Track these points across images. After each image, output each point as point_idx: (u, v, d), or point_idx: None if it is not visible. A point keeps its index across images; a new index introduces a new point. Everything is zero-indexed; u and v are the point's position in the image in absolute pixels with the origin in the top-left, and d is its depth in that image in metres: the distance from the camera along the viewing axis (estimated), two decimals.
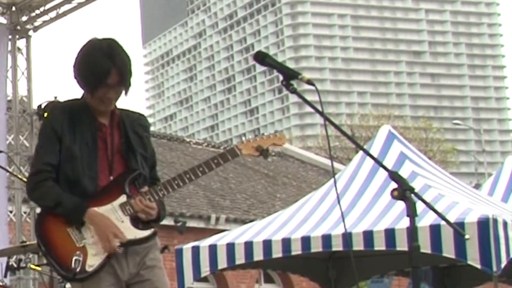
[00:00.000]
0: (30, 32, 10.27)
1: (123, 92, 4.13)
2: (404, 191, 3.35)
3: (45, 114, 4.32)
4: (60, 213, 4.01)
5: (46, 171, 4.06)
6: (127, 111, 4.28)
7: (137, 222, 4.07)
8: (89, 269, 3.96)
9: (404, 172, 8.31)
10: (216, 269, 9.21)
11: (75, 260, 3.96)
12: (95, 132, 4.12)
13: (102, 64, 4.04)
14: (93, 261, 3.97)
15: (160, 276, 4.12)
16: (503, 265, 7.47)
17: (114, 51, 4.12)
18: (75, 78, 4.15)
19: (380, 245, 8.08)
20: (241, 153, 4.20)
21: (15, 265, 7.27)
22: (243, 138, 4.22)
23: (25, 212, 10.13)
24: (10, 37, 10.06)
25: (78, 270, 3.94)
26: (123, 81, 4.09)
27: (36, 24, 10.29)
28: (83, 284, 4.00)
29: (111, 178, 4.10)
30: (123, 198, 4.08)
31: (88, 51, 4.13)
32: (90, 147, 4.09)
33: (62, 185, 4.05)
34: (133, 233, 4.06)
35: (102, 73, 4.04)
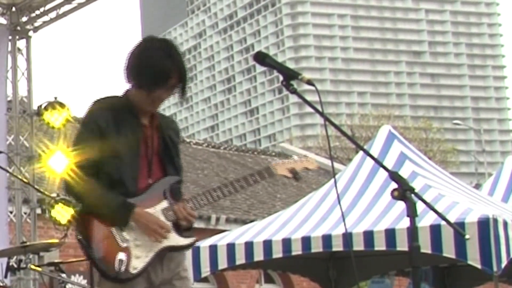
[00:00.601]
0: (30, 33, 10.26)
1: (181, 94, 4.10)
2: (404, 191, 3.35)
3: (90, 106, 4.12)
4: (105, 213, 3.95)
5: (88, 167, 3.97)
6: (162, 114, 4.25)
7: (178, 229, 4.05)
8: (133, 271, 3.93)
9: (404, 172, 8.31)
10: (216, 270, 9.21)
11: (119, 260, 3.91)
12: (139, 133, 4.08)
13: (164, 65, 4.01)
14: (137, 264, 3.93)
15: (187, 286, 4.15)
16: (503, 265, 7.48)
17: (175, 53, 4.08)
18: (129, 75, 4.08)
19: (380, 245, 8.08)
20: (276, 173, 4.23)
21: (15, 266, 7.28)
22: (278, 160, 4.29)
23: (25, 213, 10.13)
24: (10, 37, 10.05)
25: (122, 270, 3.90)
26: (182, 84, 4.07)
27: (36, 24, 10.28)
28: (122, 285, 3.95)
29: (150, 181, 4.06)
30: (165, 204, 4.05)
31: (148, 50, 4.07)
32: (133, 147, 4.03)
33: (103, 183, 3.98)
34: (175, 240, 4.04)
35: (164, 74, 4.01)
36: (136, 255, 3.94)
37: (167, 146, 4.16)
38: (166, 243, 4.00)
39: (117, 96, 4.17)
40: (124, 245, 3.94)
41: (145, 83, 4.02)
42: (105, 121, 4.00)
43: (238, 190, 4.15)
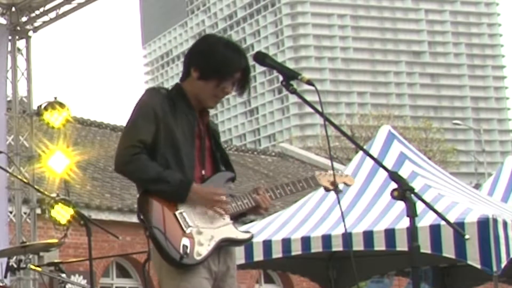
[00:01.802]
0: (30, 33, 10.26)
1: (241, 90, 4.14)
2: (404, 191, 3.35)
3: (145, 94, 4.14)
4: (161, 188, 3.91)
5: (140, 147, 3.95)
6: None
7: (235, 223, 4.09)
8: (197, 257, 3.88)
9: (404, 172, 8.32)
10: None
11: (183, 245, 3.87)
12: (194, 125, 4.09)
13: (235, 58, 4.07)
14: (201, 250, 3.90)
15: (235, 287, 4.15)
16: (503, 265, 7.48)
17: (242, 49, 4.16)
18: (196, 64, 4.09)
19: (380, 245, 8.08)
20: (320, 182, 4.35)
21: (15, 266, 7.28)
22: (322, 171, 4.42)
23: (25, 213, 10.13)
24: (10, 37, 10.05)
25: (186, 255, 3.85)
26: (245, 80, 4.12)
27: (36, 24, 10.28)
28: (184, 271, 3.89)
29: (203, 172, 4.07)
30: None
31: (219, 43, 4.12)
32: (188, 138, 4.04)
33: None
34: (234, 232, 4.06)
35: (234, 66, 4.06)
36: (199, 242, 3.90)
37: (217, 144, 4.21)
38: (226, 234, 4.00)
39: (173, 88, 4.19)
40: (188, 230, 3.90)
41: (213, 72, 4.05)
42: (162, 109, 4.01)
43: (288, 193, 4.27)
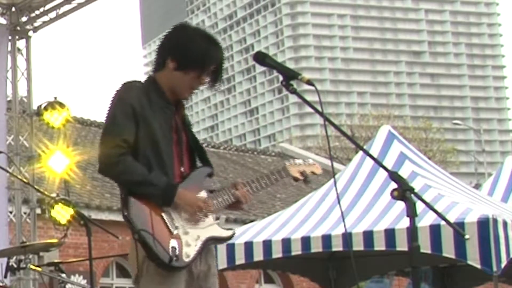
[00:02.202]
0: (30, 33, 10.26)
1: (213, 83, 4.09)
2: (404, 191, 3.35)
3: (120, 88, 4.04)
4: (149, 191, 3.86)
5: (124, 147, 3.88)
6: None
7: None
8: (186, 259, 3.85)
9: (404, 172, 8.31)
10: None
11: (172, 247, 3.83)
12: (171, 119, 4.03)
13: (214, 49, 4.03)
14: (189, 251, 3.87)
15: (217, 286, 4.12)
16: (503, 265, 7.48)
17: (219, 41, 4.10)
18: (172, 55, 4.01)
19: (380, 245, 8.08)
20: (290, 173, 4.33)
21: (15, 266, 7.28)
22: (291, 160, 4.37)
23: (25, 213, 10.13)
24: (10, 37, 10.05)
25: (175, 257, 3.81)
26: (218, 73, 4.07)
27: (36, 24, 10.28)
28: (170, 273, 3.84)
29: (182, 169, 4.02)
30: (204, 194, 4.03)
31: (197, 34, 4.05)
32: (166, 133, 3.98)
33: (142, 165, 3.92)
34: (218, 230, 4.04)
35: (214, 57, 4.02)
36: (187, 243, 3.87)
37: (194, 138, 4.16)
38: (211, 233, 3.98)
39: (146, 81, 4.10)
40: (175, 232, 3.87)
41: (192, 64, 3.99)
42: (140, 105, 3.94)
43: (264, 187, 4.26)
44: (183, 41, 4.02)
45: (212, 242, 4.02)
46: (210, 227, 4.00)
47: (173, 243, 3.83)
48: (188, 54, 3.99)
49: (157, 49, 4.12)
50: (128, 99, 3.95)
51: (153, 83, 4.06)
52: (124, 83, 4.07)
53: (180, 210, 3.92)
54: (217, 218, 4.08)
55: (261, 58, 3.74)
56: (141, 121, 3.92)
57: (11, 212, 9.94)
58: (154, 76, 4.09)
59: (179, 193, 3.91)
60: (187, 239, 3.88)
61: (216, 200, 4.06)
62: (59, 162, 9.70)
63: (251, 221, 13.82)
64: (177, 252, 3.82)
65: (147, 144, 3.92)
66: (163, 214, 3.88)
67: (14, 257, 7.48)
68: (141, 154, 3.92)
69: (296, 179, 4.31)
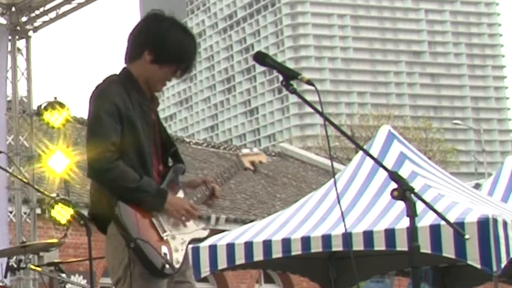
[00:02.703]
0: (30, 33, 10.26)
1: (183, 74, 4.03)
2: (404, 191, 3.34)
3: (101, 85, 3.95)
4: (140, 197, 3.78)
5: (114, 151, 3.79)
6: None
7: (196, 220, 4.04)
8: (177, 264, 3.82)
9: (404, 172, 8.31)
10: (216, 270, 9.21)
11: (164, 253, 3.78)
12: (149, 115, 3.97)
13: (191, 44, 3.98)
14: (178, 257, 3.82)
15: (194, 279, 4.09)
16: (503, 265, 7.48)
17: (192, 34, 4.06)
18: (149, 47, 3.93)
19: (380, 245, 8.08)
20: (244, 165, 4.35)
21: (15, 266, 7.28)
22: (243, 151, 4.37)
23: (25, 213, 10.13)
24: (10, 37, 10.05)
25: (168, 264, 3.77)
26: (192, 65, 4.03)
27: (36, 24, 10.28)
28: (159, 280, 3.79)
29: (160, 168, 3.98)
30: (181, 193, 4.01)
31: (175, 27, 3.98)
32: (146, 131, 3.91)
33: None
34: (198, 232, 4.01)
35: (191, 52, 3.97)
36: (175, 248, 3.83)
37: (166, 133, 4.10)
38: (193, 235, 3.95)
39: (120, 74, 4.00)
40: (164, 237, 3.83)
41: (170, 59, 3.94)
42: (123, 103, 3.85)
43: (226, 180, 4.27)
44: (161, 35, 3.94)
45: (193, 242, 4.02)
46: (191, 229, 3.97)
47: (164, 249, 3.80)
48: (166, 48, 3.93)
49: (132, 39, 4.02)
50: (112, 97, 3.85)
51: (130, 77, 3.97)
52: (105, 80, 3.98)
53: (166, 214, 3.88)
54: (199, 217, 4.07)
55: (261, 58, 3.73)
56: (126, 121, 3.84)
57: (11, 212, 9.94)
58: (128, 68, 4.01)
59: (169, 199, 3.87)
60: (175, 244, 3.85)
61: (192, 200, 4.03)
62: (59, 162, 9.70)
63: (251, 221, 13.82)
64: (168, 258, 3.79)
65: (131, 145, 3.84)
66: (153, 219, 3.84)
67: (14, 257, 7.48)
68: (126, 156, 3.84)
69: (247, 169, 4.31)
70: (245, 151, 4.32)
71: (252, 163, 4.28)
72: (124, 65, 4.05)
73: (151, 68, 3.96)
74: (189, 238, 3.93)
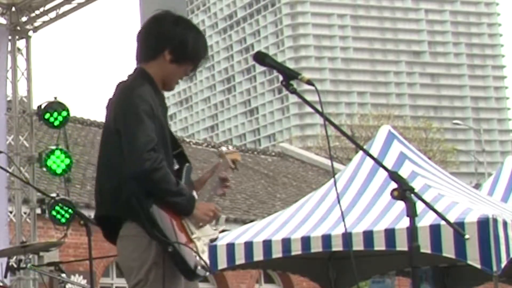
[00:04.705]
0: (30, 33, 10.26)
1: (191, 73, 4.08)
2: (404, 191, 3.34)
3: (129, 84, 3.92)
4: (178, 201, 3.77)
5: (159, 152, 3.75)
6: None
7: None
8: (205, 267, 3.84)
9: (404, 172, 8.31)
10: (216, 269, 9.21)
11: (194, 255, 3.79)
12: (166, 115, 3.99)
13: (205, 43, 4.05)
14: (205, 258, 3.84)
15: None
16: (503, 265, 7.48)
17: (202, 32, 4.11)
18: (175, 48, 3.94)
19: (380, 245, 8.08)
20: (229, 165, 4.19)
21: (15, 266, 7.28)
22: (222, 149, 4.23)
23: (25, 213, 10.12)
24: (10, 37, 10.05)
25: (199, 266, 3.78)
26: (201, 65, 4.08)
27: (36, 24, 10.28)
28: (177, 280, 3.79)
29: (175, 167, 3.95)
30: (195, 194, 3.99)
31: (192, 26, 4.03)
32: (166, 131, 3.91)
33: None
34: (213, 232, 4.00)
35: (206, 51, 4.04)
36: (202, 250, 3.84)
37: (171, 132, 4.07)
38: (210, 236, 3.95)
39: (139, 74, 3.98)
40: (194, 239, 3.83)
41: (189, 58, 3.98)
42: (153, 103, 3.84)
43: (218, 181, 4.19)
44: (181, 35, 3.97)
45: (209, 243, 4.01)
46: (210, 231, 3.98)
47: (194, 250, 3.81)
48: (186, 48, 3.96)
49: (146, 39, 4.03)
50: (146, 97, 3.83)
51: (147, 76, 3.97)
52: (129, 78, 3.98)
53: (193, 217, 3.88)
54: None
55: (261, 58, 3.73)
56: (157, 122, 3.83)
57: (11, 212, 9.94)
58: (144, 68, 4.01)
59: (197, 205, 3.89)
60: (202, 246, 3.86)
61: (206, 197, 4.04)
62: (59, 162, 9.70)
63: (251, 221, 13.82)
64: (198, 259, 3.80)
65: (160, 147, 3.81)
66: (183, 222, 3.84)
67: (14, 257, 7.48)
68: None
69: (231, 169, 4.19)
70: (223, 149, 4.22)
71: (233, 161, 4.20)
72: (137, 65, 4.05)
73: (170, 67, 3.98)
74: (207, 238, 3.94)
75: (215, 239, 4.03)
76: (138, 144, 3.71)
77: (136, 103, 3.79)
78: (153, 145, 3.71)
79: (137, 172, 3.68)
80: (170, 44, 3.96)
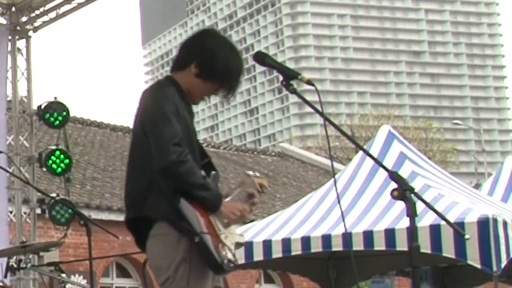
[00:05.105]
0: (30, 33, 10.26)
1: (227, 96, 4.07)
2: (404, 191, 3.34)
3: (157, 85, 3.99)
4: (204, 196, 3.80)
5: (183, 146, 3.79)
6: None
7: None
8: (231, 264, 3.84)
9: (404, 172, 8.31)
10: None
11: (221, 251, 3.81)
12: (193, 121, 4.02)
13: (239, 66, 4.03)
14: (230, 256, 3.84)
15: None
16: (503, 265, 7.48)
17: (241, 57, 4.08)
18: (202, 63, 3.96)
19: (380, 245, 8.08)
20: (256, 187, 4.20)
21: (15, 266, 7.28)
22: (251, 172, 4.31)
23: (25, 213, 10.12)
24: (10, 37, 10.05)
25: (226, 261, 3.80)
26: (238, 86, 4.08)
27: (36, 24, 10.27)
28: (207, 276, 3.81)
29: (202, 173, 3.97)
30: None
31: (227, 46, 4.02)
32: (193, 136, 3.95)
33: None
34: (239, 236, 4.01)
35: (237, 73, 4.02)
36: (229, 247, 3.86)
37: (200, 144, 4.11)
38: (237, 239, 3.96)
39: (167, 81, 4.03)
40: (221, 236, 3.85)
41: (214, 77, 3.98)
42: (179, 104, 3.89)
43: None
44: (211, 51, 3.97)
45: (235, 247, 4.02)
46: (236, 233, 4.01)
47: (221, 247, 3.83)
48: (213, 65, 3.96)
49: (181, 49, 4.08)
50: (172, 98, 3.88)
51: (174, 82, 4.01)
52: (162, 82, 4.03)
53: (219, 215, 3.90)
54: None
55: (261, 58, 3.74)
56: (182, 120, 3.87)
57: (11, 212, 9.94)
58: (173, 77, 4.06)
59: (224, 202, 3.91)
60: (228, 244, 3.88)
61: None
62: (59, 162, 9.70)
63: (251, 221, 13.82)
64: (226, 256, 3.83)
65: (186, 145, 3.84)
66: (210, 218, 3.85)
67: (14, 257, 7.48)
68: None
69: (258, 192, 4.19)
70: (251, 173, 4.29)
71: (260, 185, 4.26)
72: (169, 74, 4.10)
73: (194, 81, 4.00)
74: (235, 240, 3.96)
75: (241, 245, 4.06)
76: (164, 139, 3.76)
77: (161, 103, 3.85)
78: (178, 139, 3.76)
79: (163, 165, 3.74)
80: (198, 58, 3.99)
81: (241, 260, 8.89)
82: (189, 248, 3.78)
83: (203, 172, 3.97)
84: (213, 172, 4.07)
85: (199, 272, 3.82)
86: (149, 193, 3.84)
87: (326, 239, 8.35)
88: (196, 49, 4.02)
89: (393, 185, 3.39)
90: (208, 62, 3.97)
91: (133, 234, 4.01)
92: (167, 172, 3.76)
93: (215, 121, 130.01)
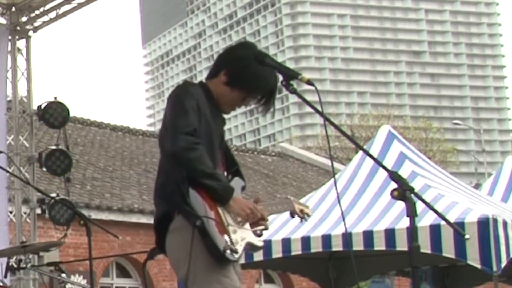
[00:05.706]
0: (30, 33, 10.26)
1: (264, 110, 4.23)
2: (404, 191, 3.34)
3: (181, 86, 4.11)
4: (212, 185, 3.84)
5: (196, 137, 3.85)
6: None
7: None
8: (236, 254, 3.87)
9: (404, 172, 8.31)
10: None
11: (225, 240, 3.84)
12: (218, 124, 4.07)
13: (268, 79, 4.06)
14: (238, 248, 3.87)
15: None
16: (503, 265, 7.48)
17: (274, 72, 4.07)
18: (231, 71, 4.05)
19: (380, 245, 8.08)
20: (295, 210, 4.42)
21: (15, 266, 7.28)
22: (292, 198, 4.50)
23: (25, 213, 10.12)
24: (10, 37, 10.05)
25: (229, 250, 3.82)
26: (273, 100, 4.18)
27: (36, 24, 10.28)
28: (221, 266, 3.85)
29: (225, 173, 4.08)
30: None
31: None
32: (213, 135, 4.00)
33: None
34: (255, 238, 4.04)
35: (266, 86, 4.08)
36: (236, 240, 3.88)
37: (230, 153, 4.21)
38: (251, 239, 3.99)
39: (199, 85, 4.12)
40: (228, 227, 3.88)
41: (241, 85, 4.06)
42: (202, 102, 3.96)
43: (271, 214, 4.34)
44: (242, 60, 4.04)
45: (249, 248, 4.03)
46: (250, 233, 4.02)
47: (226, 237, 3.85)
48: (241, 74, 4.03)
49: (217, 58, 4.19)
50: (194, 95, 3.96)
51: (207, 90, 4.09)
52: (188, 82, 4.13)
53: (229, 210, 3.94)
54: (259, 235, 4.09)
55: (261, 58, 3.74)
56: (202, 117, 3.93)
57: (11, 212, 9.94)
58: (206, 83, 4.14)
59: (234, 195, 3.94)
60: (236, 238, 3.90)
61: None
62: (59, 162, 9.70)
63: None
64: (230, 246, 3.85)
65: (205, 140, 3.90)
66: (218, 208, 3.89)
67: (14, 257, 7.48)
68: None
69: (295, 214, 4.41)
70: (293, 199, 4.44)
71: (301, 211, 4.37)
72: (203, 80, 4.20)
73: (223, 89, 4.07)
74: (247, 239, 3.98)
75: (257, 247, 4.08)
76: (177, 127, 3.84)
77: (183, 97, 3.94)
78: (191, 129, 3.82)
79: (172, 150, 3.82)
80: (229, 66, 4.07)
81: (241, 260, 8.89)
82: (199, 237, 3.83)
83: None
84: (236, 178, 4.16)
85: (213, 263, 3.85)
86: (166, 187, 3.94)
87: (326, 239, 8.35)
88: (228, 58, 4.12)
89: (393, 185, 3.39)
90: (236, 70, 4.04)
91: (156, 237, 4.05)
92: (175, 158, 3.82)
93: None
